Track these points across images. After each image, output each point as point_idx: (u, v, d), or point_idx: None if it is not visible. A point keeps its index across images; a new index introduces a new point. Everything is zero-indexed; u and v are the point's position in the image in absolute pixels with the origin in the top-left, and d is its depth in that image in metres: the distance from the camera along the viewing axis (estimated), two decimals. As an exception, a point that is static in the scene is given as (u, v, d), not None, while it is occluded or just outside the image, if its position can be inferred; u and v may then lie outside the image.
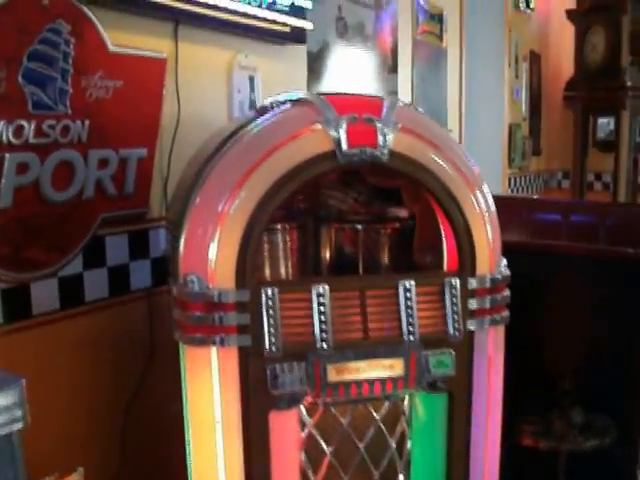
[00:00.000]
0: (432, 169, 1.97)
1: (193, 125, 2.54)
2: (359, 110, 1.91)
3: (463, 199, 2.03)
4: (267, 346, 1.86)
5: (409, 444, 2.16)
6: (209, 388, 1.90)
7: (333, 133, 1.87)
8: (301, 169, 1.86)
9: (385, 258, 2.29)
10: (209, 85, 2.74)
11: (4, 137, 1.92)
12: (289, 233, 2.14)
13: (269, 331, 1.86)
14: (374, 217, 2.27)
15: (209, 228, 1.84)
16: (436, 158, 1.99)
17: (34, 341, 2.15)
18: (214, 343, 1.86)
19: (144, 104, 2.35)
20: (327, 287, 1.91)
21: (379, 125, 1.90)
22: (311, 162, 1.87)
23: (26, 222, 2.04)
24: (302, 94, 2.02)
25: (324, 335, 1.89)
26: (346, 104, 1.93)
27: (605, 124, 6.72)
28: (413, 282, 1.98)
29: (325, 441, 2.07)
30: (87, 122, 2.13)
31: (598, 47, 5.73)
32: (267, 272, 2.13)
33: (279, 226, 2.10)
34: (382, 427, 2.12)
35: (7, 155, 1.94)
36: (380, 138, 1.89)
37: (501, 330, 2.14)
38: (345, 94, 2.19)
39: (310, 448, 2.07)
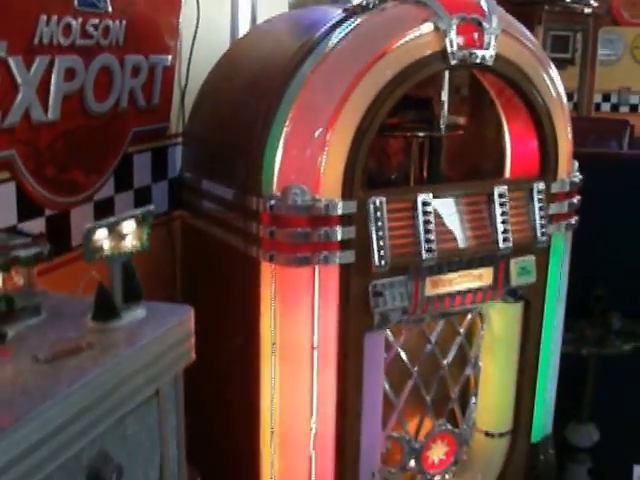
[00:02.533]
0: (530, 75, 1.88)
1: (212, 32, 2.27)
2: (466, 10, 1.76)
3: (551, 105, 1.96)
4: (376, 260, 1.71)
5: (482, 358, 2.11)
6: (307, 312, 1.72)
7: (445, 33, 1.71)
8: (411, 71, 1.70)
9: (446, 167, 2.18)
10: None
11: (54, 38, 1.61)
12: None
13: (378, 244, 1.71)
14: (433, 126, 2.13)
15: (318, 134, 1.64)
16: (534, 63, 1.90)
17: (70, 277, 1.84)
18: (318, 262, 1.68)
19: (164, 6, 2.06)
20: (430, 195, 1.78)
21: (486, 26, 1.76)
22: (421, 63, 1.71)
23: (70, 138, 1.75)
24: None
25: (430, 246, 1.77)
26: (454, 3, 1.77)
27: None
28: (506, 187, 1.89)
29: (410, 361, 1.97)
30: (124, 23, 1.83)
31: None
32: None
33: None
34: (464, 341, 2.04)
35: (57, 58, 1.63)
36: (487, 40, 1.76)
37: (570, 234, 2.12)
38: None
39: (391, 369, 1.96)
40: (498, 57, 1.80)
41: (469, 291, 1.90)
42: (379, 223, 1.70)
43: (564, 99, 1.99)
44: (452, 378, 2.06)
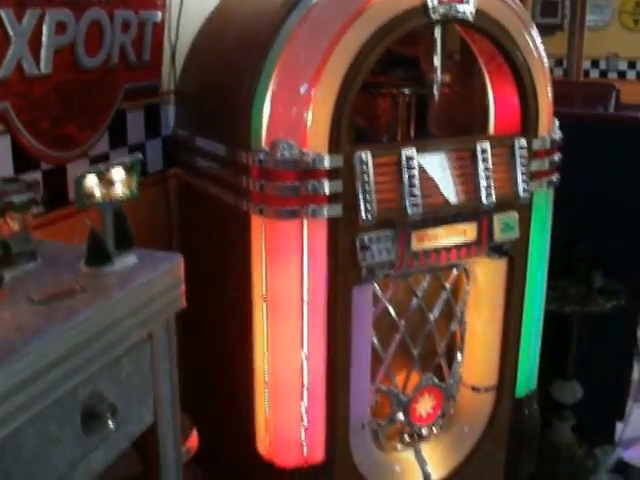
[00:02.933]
0: (512, 33, 1.91)
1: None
2: (446, -38, 1.78)
3: (532, 63, 1.99)
4: (362, 214, 1.74)
5: (468, 313, 2.16)
6: (296, 266, 1.76)
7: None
8: (393, 25, 1.72)
9: (434, 125, 2.21)
10: None
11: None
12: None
13: (364, 198, 1.74)
14: (419, 83, 2.16)
15: (303, 89, 1.67)
16: (516, 22, 1.93)
17: (67, 231, 1.86)
18: (306, 215, 1.71)
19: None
20: (414, 150, 1.81)
21: (467, -21, 1.79)
22: (403, 18, 1.73)
23: (63, 92, 1.76)
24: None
25: (415, 200, 1.80)
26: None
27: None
28: (488, 143, 1.92)
29: (397, 315, 2.01)
30: (113, -26, 1.85)
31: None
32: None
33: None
34: (450, 297, 2.08)
35: (47, 12, 1.65)
36: (468, -6, 1.79)
37: (552, 192, 2.15)
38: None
39: (379, 324, 2.00)
40: (480, 13, 1.83)
41: (454, 246, 1.94)
42: (365, 177, 1.73)
43: (545, 59, 2.02)
44: (439, 333, 2.10)
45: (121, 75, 1.97)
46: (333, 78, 1.67)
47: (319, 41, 1.67)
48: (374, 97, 2.16)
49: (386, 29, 1.71)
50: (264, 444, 1.93)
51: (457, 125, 2.19)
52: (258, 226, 1.77)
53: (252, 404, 1.92)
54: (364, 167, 1.73)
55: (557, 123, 2.11)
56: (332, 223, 1.75)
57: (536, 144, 2.02)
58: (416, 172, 1.80)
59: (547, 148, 2.05)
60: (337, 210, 1.74)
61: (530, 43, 1.97)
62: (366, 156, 1.73)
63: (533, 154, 2.02)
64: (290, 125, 1.68)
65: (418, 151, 1.82)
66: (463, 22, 1.84)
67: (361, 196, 1.73)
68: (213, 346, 2.13)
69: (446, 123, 2.20)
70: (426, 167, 1.85)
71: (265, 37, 1.74)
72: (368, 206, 1.74)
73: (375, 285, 1.93)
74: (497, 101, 2.07)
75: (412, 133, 2.15)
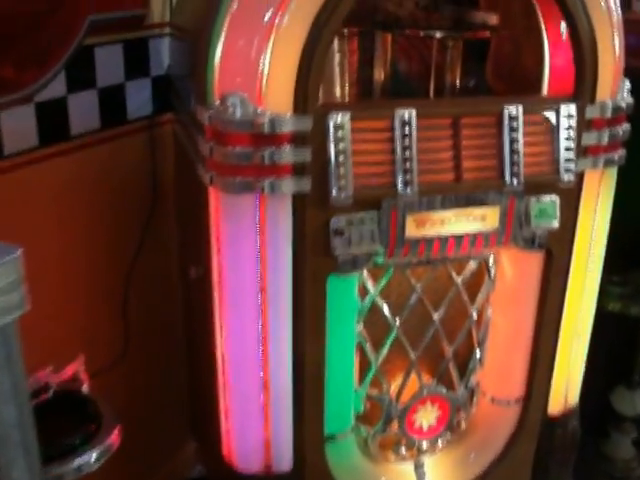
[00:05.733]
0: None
1: None
2: None
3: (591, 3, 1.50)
4: (334, 191, 1.38)
5: (489, 313, 1.77)
6: (250, 249, 1.43)
7: None
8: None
9: (457, 79, 1.78)
10: None
11: None
12: (351, 42, 1.60)
13: (337, 171, 1.37)
14: (449, 23, 1.73)
15: (264, 18, 1.29)
16: None
17: (8, 193, 1.62)
18: (262, 190, 1.37)
19: None
20: (414, 112, 1.41)
21: None
22: None
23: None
24: None
25: (408, 176, 1.42)
26: None
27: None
28: (521, 108, 1.49)
29: (391, 312, 1.66)
30: None
31: None
32: (335, 92, 1.60)
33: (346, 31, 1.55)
34: (463, 293, 1.70)
35: None
36: None
37: (614, 173, 1.69)
38: None
39: (371, 321, 1.65)
40: None
41: (467, 235, 1.54)
42: (340, 145, 1.36)
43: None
44: (447, 335, 1.73)
45: (83, 3, 1.66)
46: (300, 17, 1.29)
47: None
48: (411, 41, 1.75)
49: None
50: (227, 447, 1.66)
51: (515, 81, 1.75)
52: (213, 198, 1.44)
53: (217, 403, 1.65)
54: (339, 133, 1.36)
55: (627, 84, 1.63)
56: (298, 201, 1.40)
57: (591, 111, 1.56)
58: (412, 142, 1.41)
59: (607, 117, 1.58)
60: (304, 185, 1.38)
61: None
62: (343, 119, 1.35)
63: (587, 124, 1.56)
64: (244, 73, 1.32)
65: (420, 114, 1.42)
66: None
67: (333, 168, 1.37)
68: (194, 338, 1.87)
69: (504, 77, 1.77)
70: (431, 134, 1.45)
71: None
72: (342, 181, 1.38)
73: (364, 274, 1.58)
74: (552, 52, 1.62)
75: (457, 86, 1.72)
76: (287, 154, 1.35)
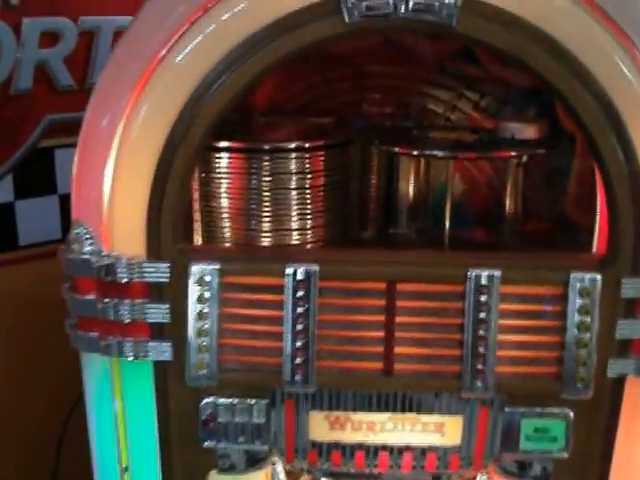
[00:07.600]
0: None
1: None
2: None
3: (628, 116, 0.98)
4: (193, 367, 1.01)
5: None
6: (110, 425, 1.09)
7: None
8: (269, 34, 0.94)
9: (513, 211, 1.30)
10: None
11: None
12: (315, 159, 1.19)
13: (197, 342, 1.00)
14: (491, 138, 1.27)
15: (103, 145, 1.00)
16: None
17: None
18: (108, 351, 1.03)
19: None
20: (316, 269, 0.99)
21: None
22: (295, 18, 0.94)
23: None
24: None
25: (299, 359, 0.99)
26: None
27: None
28: (498, 273, 0.99)
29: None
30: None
31: None
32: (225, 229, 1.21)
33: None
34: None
35: None
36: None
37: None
38: None
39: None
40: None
41: (409, 448, 1.06)
42: (206, 308, 0.99)
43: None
44: None
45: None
46: (151, 129, 0.97)
47: (136, 59, 0.98)
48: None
49: (250, 46, 0.94)
50: None
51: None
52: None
53: None
54: (202, 290, 0.99)
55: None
56: (159, 371, 1.05)
57: (631, 287, 1.01)
58: (312, 311, 0.99)
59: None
60: (165, 351, 1.03)
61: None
62: (206, 271, 0.98)
63: (626, 306, 1.02)
64: (87, 198, 1.02)
65: (327, 273, 0.99)
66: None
67: (192, 338, 1.00)
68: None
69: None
70: (348, 302, 1.01)
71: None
72: (207, 355, 1.00)
73: (278, 469, 1.16)
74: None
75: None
76: (138, 309, 1.01)
